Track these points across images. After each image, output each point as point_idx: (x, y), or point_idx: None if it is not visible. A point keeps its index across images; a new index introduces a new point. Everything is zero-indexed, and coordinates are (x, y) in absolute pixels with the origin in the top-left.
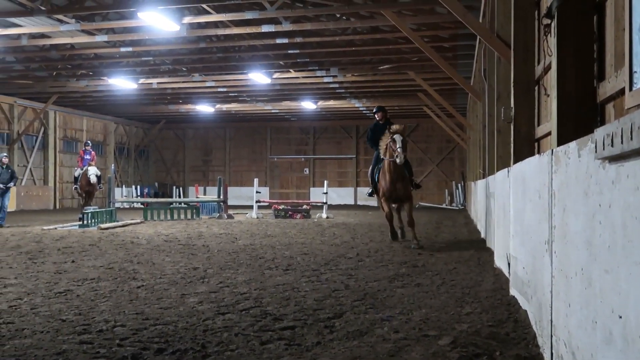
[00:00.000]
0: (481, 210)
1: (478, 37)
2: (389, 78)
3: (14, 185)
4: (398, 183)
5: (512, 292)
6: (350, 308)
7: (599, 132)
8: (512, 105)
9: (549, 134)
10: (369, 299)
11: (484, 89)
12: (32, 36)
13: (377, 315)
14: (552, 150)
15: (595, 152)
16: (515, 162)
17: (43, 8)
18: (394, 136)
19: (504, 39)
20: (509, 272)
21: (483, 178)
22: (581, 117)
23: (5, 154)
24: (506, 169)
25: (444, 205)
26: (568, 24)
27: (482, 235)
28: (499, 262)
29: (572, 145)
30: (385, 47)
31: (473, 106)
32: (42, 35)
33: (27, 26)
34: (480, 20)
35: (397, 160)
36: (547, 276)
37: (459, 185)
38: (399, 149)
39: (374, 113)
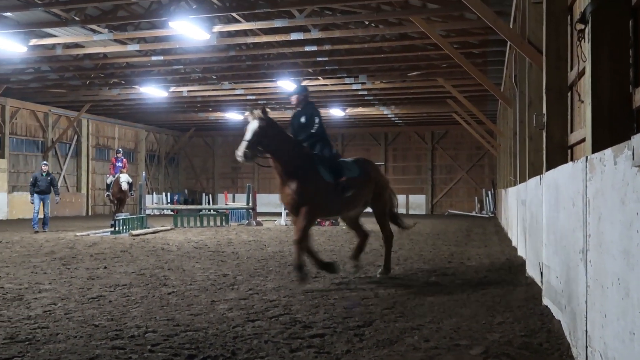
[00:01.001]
0: (512, 218)
1: (509, 43)
2: (418, 85)
3: (57, 194)
4: (288, 184)
5: (545, 301)
6: (379, 316)
7: (636, 139)
8: (545, 111)
9: (583, 140)
10: (399, 308)
11: (515, 95)
12: (67, 46)
13: (407, 324)
14: (587, 157)
15: (633, 159)
16: (547, 170)
17: (77, 18)
18: (247, 126)
19: (536, 44)
20: (541, 281)
21: (514, 185)
22: (616, 123)
23: (45, 162)
24: (538, 176)
25: (473, 213)
26: (602, 28)
27: (514, 244)
28: (531, 270)
29: (608, 152)
30: (414, 53)
31: (503, 113)
32: (76, 45)
33: (62, 36)
34: (511, 26)
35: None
36: (581, 286)
37: (489, 192)
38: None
39: (289, 96)
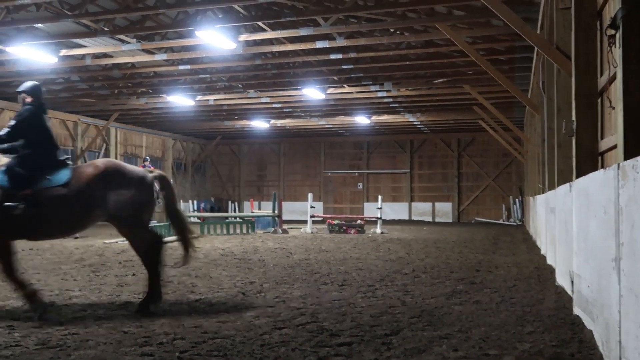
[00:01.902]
0: (541, 226)
1: (536, 49)
2: (444, 92)
3: None
4: None
5: (576, 311)
6: (407, 325)
7: None
8: (574, 118)
9: (614, 147)
10: (426, 316)
11: (543, 101)
12: (96, 56)
13: (435, 333)
14: (619, 164)
15: None
16: (577, 177)
17: (106, 29)
18: None
19: (564, 50)
20: (572, 291)
21: (543, 193)
22: None
23: None
24: (568, 183)
25: (500, 221)
26: (634, 33)
27: (542, 252)
28: (561, 279)
29: None
30: (439, 60)
31: (531, 119)
32: (105, 55)
33: (91, 47)
34: (538, 32)
35: None
36: (614, 295)
37: (517, 200)
38: None
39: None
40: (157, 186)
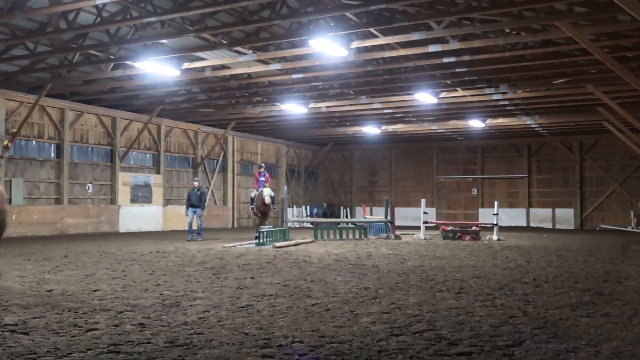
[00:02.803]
0: None
1: None
2: (564, 93)
3: (202, 209)
4: None
5: None
6: (530, 336)
7: None
8: None
9: None
10: (550, 328)
11: None
12: (214, 68)
13: (560, 346)
14: None
15: None
16: None
17: (224, 42)
18: None
19: None
20: None
21: None
22: None
23: (196, 179)
24: None
25: (629, 228)
26: None
27: None
28: None
29: None
30: (559, 60)
31: None
32: (223, 67)
33: (210, 59)
34: None
35: None
36: None
37: None
38: None
39: None
40: None
